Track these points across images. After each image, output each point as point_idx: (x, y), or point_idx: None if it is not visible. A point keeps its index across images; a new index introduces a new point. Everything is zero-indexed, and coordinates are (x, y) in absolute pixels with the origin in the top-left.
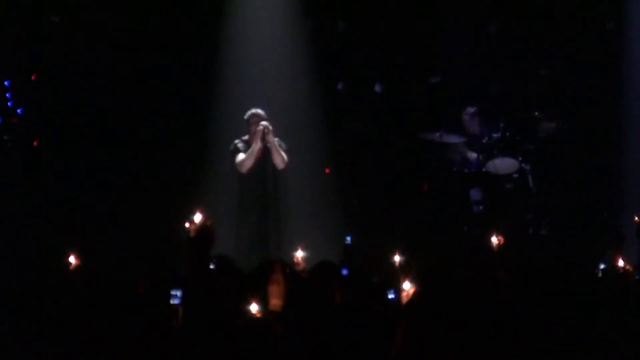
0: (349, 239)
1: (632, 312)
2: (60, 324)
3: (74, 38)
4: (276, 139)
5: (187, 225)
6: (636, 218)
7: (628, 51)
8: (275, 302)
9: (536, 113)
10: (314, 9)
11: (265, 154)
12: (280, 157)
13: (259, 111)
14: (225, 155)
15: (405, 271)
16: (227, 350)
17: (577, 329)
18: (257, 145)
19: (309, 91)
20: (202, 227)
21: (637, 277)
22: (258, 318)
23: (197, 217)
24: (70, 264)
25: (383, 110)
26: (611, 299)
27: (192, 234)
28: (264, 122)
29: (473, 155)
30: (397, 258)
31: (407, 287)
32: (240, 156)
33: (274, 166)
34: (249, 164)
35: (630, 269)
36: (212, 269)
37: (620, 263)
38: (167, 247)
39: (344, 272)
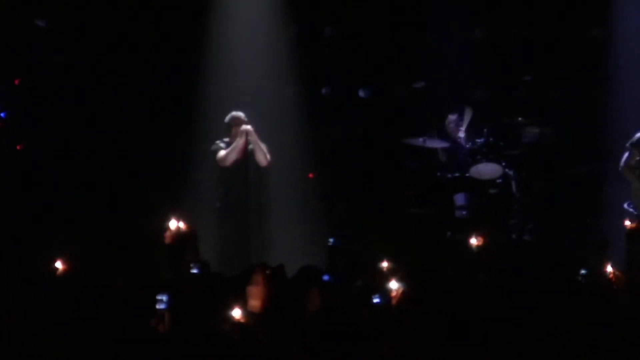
0: (332, 240)
1: (617, 317)
2: (48, 329)
3: (58, 41)
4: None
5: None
6: (627, 222)
7: (613, 57)
8: (254, 304)
9: (520, 119)
10: (299, 14)
11: (248, 156)
12: (263, 154)
13: (240, 114)
14: (208, 157)
15: (391, 276)
16: (212, 355)
17: (558, 333)
18: (240, 140)
19: (293, 96)
20: (177, 234)
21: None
22: (242, 323)
23: (172, 224)
24: (58, 269)
25: (367, 115)
26: (593, 305)
27: (167, 241)
28: (245, 126)
29: (456, 167)
30: (384, 264)
31: (395, 287)
32: (222, 152)
33: (257, 169)
34: (232, 157)
35: (619, 275)
36: (195, 273)
37: (609, 269)
38: (152, 251)
39: (325, 277)
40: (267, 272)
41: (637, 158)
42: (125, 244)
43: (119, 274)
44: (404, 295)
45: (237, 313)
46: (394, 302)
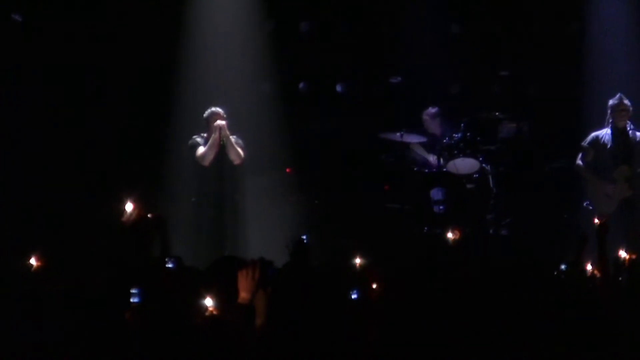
0: (305, 238)
1: (594, 313)
2: (22, 324)
3: (33, 37)
4: (234, 136)
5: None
6: (596, 220)
7: (590, 52)
8: (244, 296)
9: (497, 114)
10: (276, 9)
11: (222, 151)
12: (235, 152)
13: (219, 109)
14: (185, 152)
15: (368, 273)
16: (186, 348)
17: (536, 329)
18: (215, 136)
19: (270, 91)
20: (138, 217)
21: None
22: (215, 315)
23: (128, 206)
24: (32, 265)
25: (344, 110)
26: (571, 300)
27: (127, 225)
28: (220, 121)
29: (433, 157)
30: (358, 260)
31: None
32: (201, 149)
33: (230, 165)
34: (210, 156)
35: (599, 271)
36: (169, 267)
37: (589, 267)
38: (126, 244)
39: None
40: (265, 269)
41: (592, 156)
42: (100, 238)
43: (94, 268)
44: (382, 291)
45: (209, 302)
46: (372, 298)
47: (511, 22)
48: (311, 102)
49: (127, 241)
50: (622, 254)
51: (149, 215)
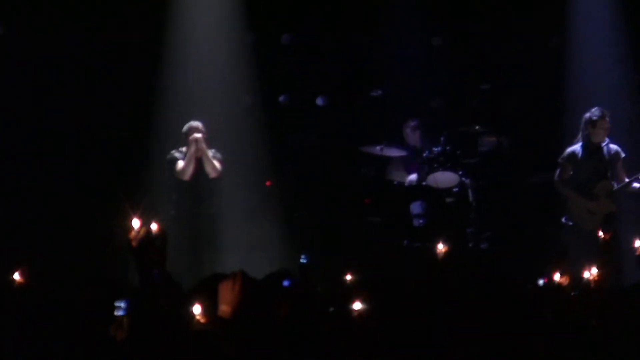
0: (304, 258)
1: (565, 328)
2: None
3: (10, 45)
4: (212, 150)
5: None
6: (601, 234)
7: (571, 66)
8: (225, 309)
9: (477, 127)
10: (257, 22)
11: (201, 165)
12: (211, 165)
13: (197, 124)
14: (164, 166)
15: (354, 288)
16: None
17: (516, 342)
18: (191, 150)
19: (251, 103)
20: (146, 235)
21: (573, 293)
22: (204, 325)
23: (135, 223)
24: (15, 281)
25: (325, 123)
26: (546, 314)
27: (134, 243)
28: (196, 134)
29: (412, 177)
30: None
31: (358, 306)
32: (180, 164)
33: (208, 179)
34: (189, 170)
35: (567, 284)
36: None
37: (557, 277)
38: (112, 257)
39: (286, 283)
40: (248, 282)
41: (570, 172)
42: (82, 250)
43: (77, 282)
44: (366, 309)
45: (197, 310)
46: (355, 317)
47: (492, 35)
48: (292, 115)
49: (136, 259)
50: (592, 271)
51: (157, 230)
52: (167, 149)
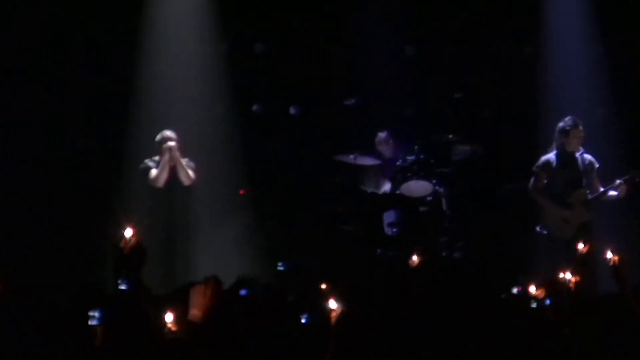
0: (282, 265)
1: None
2: None
3: None
4: (185, 159)
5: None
6: (609, 255)
7: (545, 75)
8: (196, 313)
9: (451, 136)
10: (230, 30)
11: (175, 173)
12: (185, 173)
13: (170, 133)
14: (138, 174)
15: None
16: None
17: (488, 352)
18: (165, 158)
19: (224, 112)
20: (135, 244)
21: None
22: (175, 334)
23: (128, 232)
24: None
25: (298, 132)
26: (517, 324)
27: (125, 251)
28: (170, 143)
29: (387, 186)
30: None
31: (333, 306)
32: (153, 172)
33: (182, 188)
34: (162, 177)
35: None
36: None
37: (532, 289)
38: (90, 265)
39: (243, 292)
40: (221, 288)
41: (545, 181)
42: (60, 257)
43: (56, 288)
44: (342, 314)
45: (169, 318)
46: (332, 321)
47: (466, 44)
48: (265, 123)
49: (124, 266)
50: (567, 276)
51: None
52: (140, 158)
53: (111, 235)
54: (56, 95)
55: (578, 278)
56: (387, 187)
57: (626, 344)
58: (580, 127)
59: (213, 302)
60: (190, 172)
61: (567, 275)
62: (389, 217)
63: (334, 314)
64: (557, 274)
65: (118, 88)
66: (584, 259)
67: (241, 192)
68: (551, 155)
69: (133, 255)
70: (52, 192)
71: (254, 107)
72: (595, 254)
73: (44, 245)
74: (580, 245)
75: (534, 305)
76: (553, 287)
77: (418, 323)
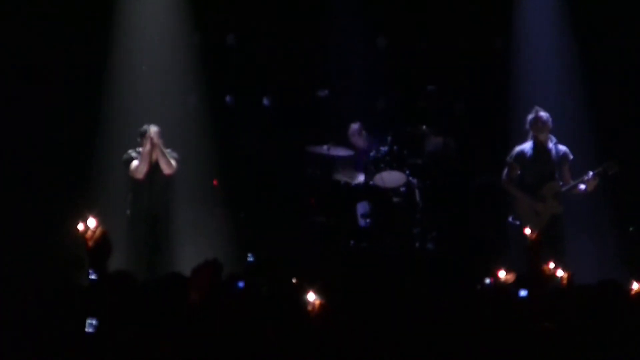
0: (251, 257)
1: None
2: None
3: None
4: (168, 150)
5: (81, 230)
6: (527, 231)
7: (515, 67)
8: (195, 296)
9: (424, 128)
10: (203, 23)
11: (156, 165)
12: (165, 161)
13: (154, 127)
14: (117, 167)
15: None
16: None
17: (464, 342)
18: (145, 148)
19: (197, 104)
20: (100, 236)
21: (519, 294)
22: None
23: (91, 222)
24: None
25: (271, 124)
26: (489, 314)
27: (89, 243)
28: (152, 128)
29: (360, 177)
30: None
31: (312, 298)
32: (135, 163)
33: (162, 178)
34: (143, 168)
35: (509, 282)
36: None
37: (501, 274)
38: (61, 258)
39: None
40: (219, 273)
41: (518, 172)
42: (35, 251)
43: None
44: (322, 307)
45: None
46: (311, 314)
47: (437, 36)
48: (238, 115)
49: (89, 258)
50: (557, 271)
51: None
52: (116, 150)
53: (74, 228)
54: (26, 90)
55: (569, 272)
56: (360, 178)
57: (607, 335)
58: (541, 114)
59: (211, 284)
60: (172, 161)
61: (559, 272)
62: (361, 208)
63: (311, 307)
64: (544, 266)
65: (89, 82)
66: (533, 246)
67: (214, 183)
68: (526, 146)
69: (98, 245)
70: (22, 187)
71: (227, 99)
72: (541, 242)
73: (16, 240)
74: (527, 231)
75: (515, 297)
76: (538, 279)
77: (393, 314)
